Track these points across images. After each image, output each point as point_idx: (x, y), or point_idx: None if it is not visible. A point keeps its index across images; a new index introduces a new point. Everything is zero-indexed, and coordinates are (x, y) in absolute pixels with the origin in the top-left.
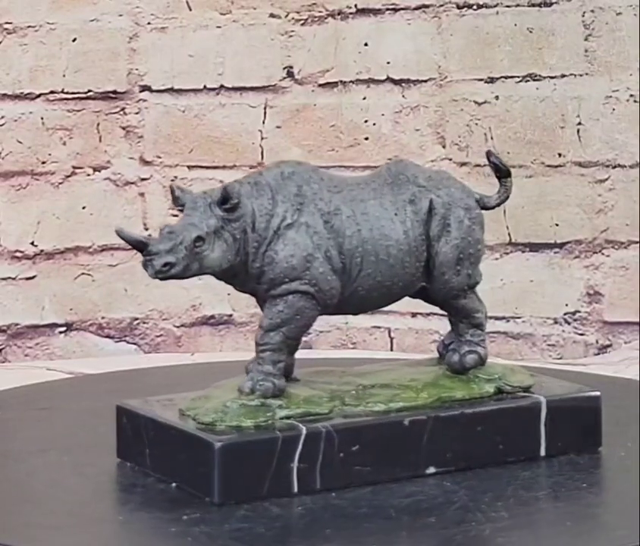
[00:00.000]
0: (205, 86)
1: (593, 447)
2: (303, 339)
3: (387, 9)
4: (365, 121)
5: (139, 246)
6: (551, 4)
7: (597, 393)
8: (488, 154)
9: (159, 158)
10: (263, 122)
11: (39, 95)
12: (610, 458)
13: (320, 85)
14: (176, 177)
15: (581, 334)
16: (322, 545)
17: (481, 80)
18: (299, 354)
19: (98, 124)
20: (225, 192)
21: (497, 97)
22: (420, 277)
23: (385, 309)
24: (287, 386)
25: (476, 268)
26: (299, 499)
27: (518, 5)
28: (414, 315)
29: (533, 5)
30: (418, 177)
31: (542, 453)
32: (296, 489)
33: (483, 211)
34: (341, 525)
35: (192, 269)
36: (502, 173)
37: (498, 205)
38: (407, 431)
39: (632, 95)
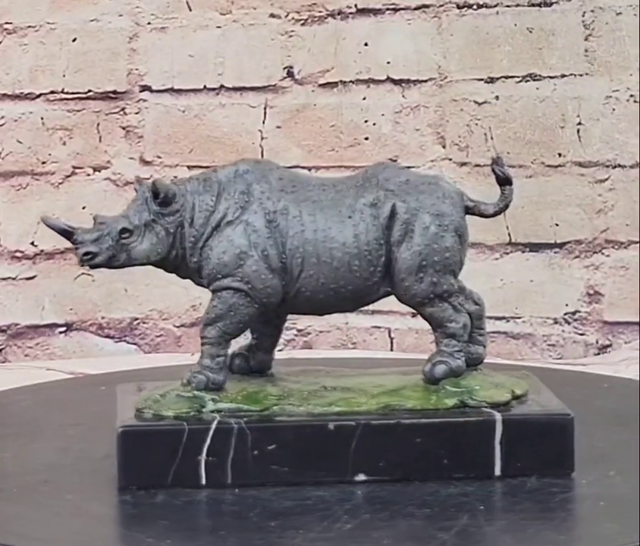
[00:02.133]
0: (205, 86)
1: (563, 471)
2: (303, 339)
3: (387, 9)
4: (365, 121)
5: (65, 234)
6: (551, 4)
7: (569, 414)
8: (492, 161)
9: (159, 158)
10: (263, 122)
11: (39, 95)
12: (573, 485)
13: (320, 85)
14: (176, 176)
15: (582, 334)
16: (135, 534)
17: (481, 80)
18: (301, 354)
19: (98, 124)
20: (154, 187)
21: (497, 97)
22: (380, 282)
23: (385, 308)
24: (236, 379)
25: (444, 276)
26: (200, 491)
27: (518, 5)
28: (414, 315)
29: (533, 5)
30: (389, 180)
31: (497, 472)
32: (204, 482)
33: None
34: (187, 518)
35: (120, 259)
36: (501, 180)
37: (497, 213)
38: (333, 436)
39: (632, 95)
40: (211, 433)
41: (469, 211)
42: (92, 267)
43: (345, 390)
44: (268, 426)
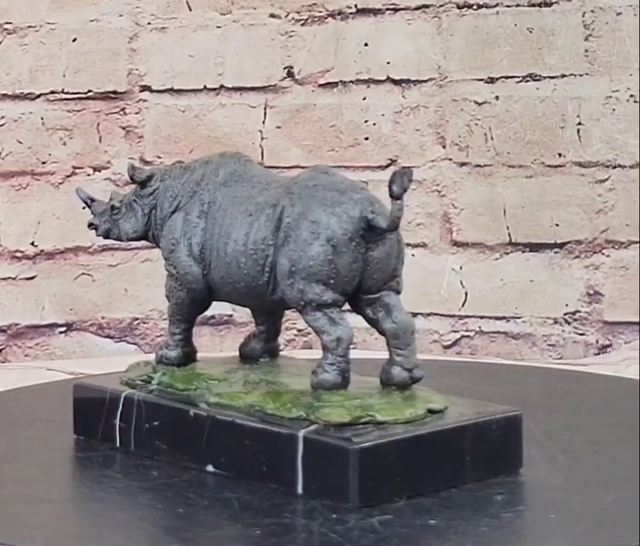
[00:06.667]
0: (205, 86)
1: (346, 503)
2: (303, 339)
3: (387, 9)
4: (365, 121)
5: (86, 204)
6: (551, 4)
7: (349, 448)
8: (393, 173)
9: (159, 158)
10: (263, 122)
11: (39, 96)
12: (347, 520)
13: (320, 85)
14: None
15: (582, 334)
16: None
17: (481, 80)
18: (301, 354)
19: (98, 124)
20: (127, 169)
21: (497, 97)
22: (274, 283)
23: None
24: (194, 359)
25: (309, 284)
26: (114, 452)
27: (518, 5)
28: (414, 314)
29: (533, 5)
30: (298, 184)
31: (299, 491)
32: (118, 444)
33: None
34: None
35: (115, 233)
36: (389, 194)
37: (390, 228)
38: (192, 424)
39: (632, 96)
40: (121, 401)
41: (369, 223)
42: (101, 236)
43: (260, 386)
44: (153, 403)
